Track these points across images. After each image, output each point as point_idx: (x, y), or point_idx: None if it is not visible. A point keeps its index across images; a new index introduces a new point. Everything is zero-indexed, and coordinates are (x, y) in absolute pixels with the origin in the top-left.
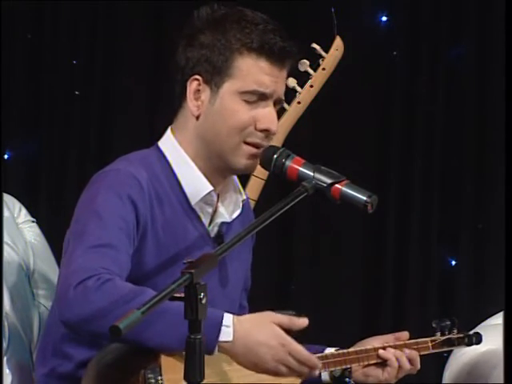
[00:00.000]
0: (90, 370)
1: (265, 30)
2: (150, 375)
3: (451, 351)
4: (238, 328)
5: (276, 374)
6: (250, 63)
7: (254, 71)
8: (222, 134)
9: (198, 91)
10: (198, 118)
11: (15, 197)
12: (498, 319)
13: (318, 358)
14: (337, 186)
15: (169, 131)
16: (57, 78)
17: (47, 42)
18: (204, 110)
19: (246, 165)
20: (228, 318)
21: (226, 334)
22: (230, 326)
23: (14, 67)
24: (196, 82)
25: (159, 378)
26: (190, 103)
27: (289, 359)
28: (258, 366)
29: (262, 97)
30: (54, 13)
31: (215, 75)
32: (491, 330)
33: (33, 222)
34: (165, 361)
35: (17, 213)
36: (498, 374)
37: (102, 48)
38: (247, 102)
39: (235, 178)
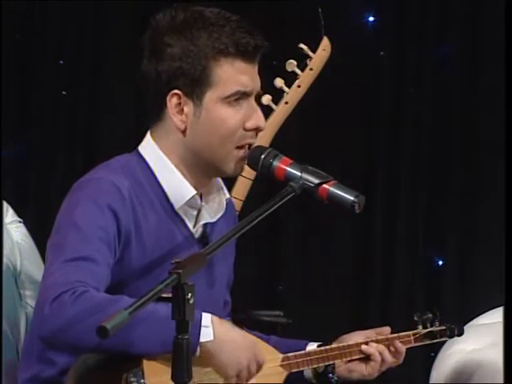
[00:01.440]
0: (73, 374)
1: (232, 30)
2: (132, 379)
3: (438, 351)
4: (217, 327)
5: (240, 377)
6: (227, 68)
7: (232, 74)
8: (214, 143)
9: (178, 104)
10: (184, 131)
11: (2, 197)
12: (484, 319)
13: (301, 355)
14: (324, 186)
15: (149, 136)
16: (44, 78)
17: (35, 43)
18: (190, 122)
19: (236, 168)
20: (206, 319)
21: (207, 334)
22: (209, 326)
23: (1, 67)
24: (176, 97)
25: (142, 381)
26: (175, 118)
27: (253, 363)
28: (231, 367)
29: (243, 96)
30: (41, 13)
31: (195, 87)
32: (478, 330)
33: (20, 222)
34: (147, 365)
35: (4, 213)
36: (486, 375)
37: (90, 48)
38: (230, 104)
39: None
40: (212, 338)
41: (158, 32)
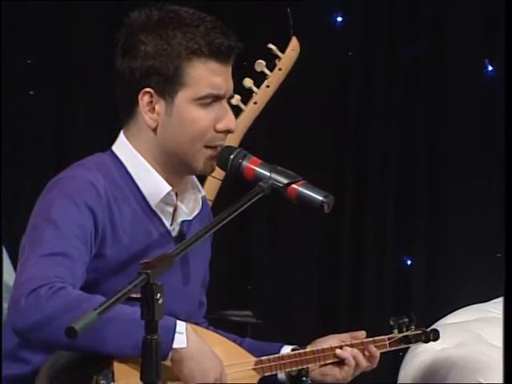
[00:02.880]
0: (43, 374)
1: (207, 31)
2: (102, 381)
3: (407, 350)
4: (190, 335)
5: None
6: (200, 68)
7: (205, 75)
8: (185, 143)
9: (150, 103)
10: (155, 129)
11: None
12: (452, 318)
13: (274, 359)
14: (293, 186)
15: (122, 135)
16: (11, 78)
17: (2, 42)
18: (161, 121)
19: (206, 167)
20: (181, 326)
21: (180, 341)
22: (183, 333)
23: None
24: (148, 95)
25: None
26: (146, 116)
27: (217, 380)
28: (198, 377)
29: (216, 98)
30: (8, 11)
31: (167, 86)
32: (446, 329)
33: None
34: (117, 367)
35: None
36: (455, 374)
37: (58, 47)
38: (203, 105)
39: (193, 175)
40: (185, 345)
41: (133, 30)
